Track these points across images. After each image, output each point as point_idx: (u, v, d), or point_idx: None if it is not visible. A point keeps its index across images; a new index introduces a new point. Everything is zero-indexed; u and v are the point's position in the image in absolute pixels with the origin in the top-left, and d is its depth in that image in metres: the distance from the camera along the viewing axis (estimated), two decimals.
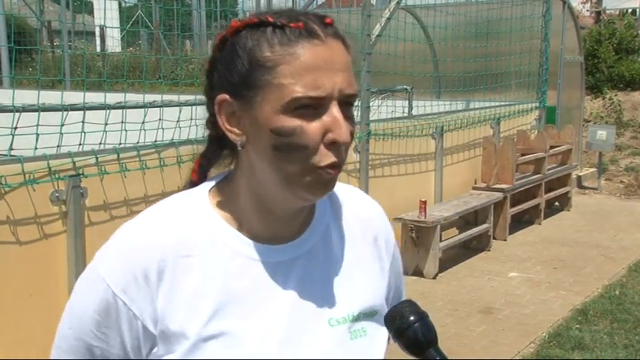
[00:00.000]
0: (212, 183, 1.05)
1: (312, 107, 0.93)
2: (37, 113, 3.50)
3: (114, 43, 15.82)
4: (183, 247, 0.97)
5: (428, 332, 0.93)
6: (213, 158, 1.07)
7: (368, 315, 1.05)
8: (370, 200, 1.18)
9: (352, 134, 0.97)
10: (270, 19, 0.94)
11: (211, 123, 1.03)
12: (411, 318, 0.94)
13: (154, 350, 0.96)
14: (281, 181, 0.96)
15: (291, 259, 1.02)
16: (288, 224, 1.03)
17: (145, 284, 0.95)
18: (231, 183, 1.03)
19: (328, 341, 1.00)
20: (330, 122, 0.93)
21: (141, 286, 0.95)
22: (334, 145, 0.94)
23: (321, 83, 0.92)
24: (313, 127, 0.93)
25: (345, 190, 1.14)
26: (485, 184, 7.05)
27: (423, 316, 0.94)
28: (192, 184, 1.07)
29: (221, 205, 1.02)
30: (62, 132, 3.56)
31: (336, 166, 0.95)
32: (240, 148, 0.98)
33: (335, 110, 0.93)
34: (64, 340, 1.01)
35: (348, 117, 0.96)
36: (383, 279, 1.12)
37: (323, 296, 1.03)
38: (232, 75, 0.96)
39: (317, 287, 1.03)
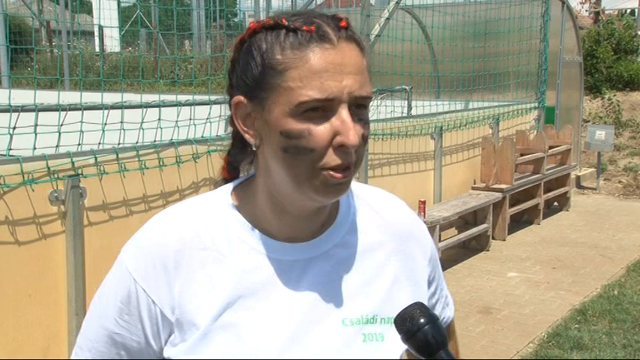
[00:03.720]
0: (236, 182, 1.08)
1: (320, 110, 0.93)
2: (35, 113, 3.49)
3: (113, 42, 15.81)
4: (200, 241, 1.01)
5: (438, 335, 0.93)
6: (238, 155, 1.09)
7: (388, 322, 1.04)
8: (402, 206, 1.17)
9: (365, 137, 0.96)
10: (284, 22, 0.95)
11: (232, 121, 1.04)
12: (422, 320, 0.94)
13: (172, 337, 1.01)
14: (292, 183, 0.97)
15: (308, 258, 1.04)
16: (305, 225, 1.04)
17: (163, 273, 1.01)
18: (251, 183, 1.06)
19: (338, 340, 1.02)
20: (339, 125, 0.93)
21: (159, 274, 1.01)
22: (342, 149, 0.93)
23: (327, 86, 0.92)
24: (321, 131, 0.93)
25: (375, 195, 1.15)
26: (484, 184, 7.05)
27: (433, 319, 0.94)
28: (224, 180, 1.11)
29: (241, 204, 1.05)
30: (61, 132, 3.55)
31: (346, 169, 0.95)
32: (255, 149, 1.00)
33: (344, 113, 0.93)
34: (89, 328, 1.08)
35: (361, 119, 0.95)
36: (415, 289, 1.11)
37: (338, 296, 1.04)
38: (247, 77, 0.97)
39: (333, 287, 1.04)
